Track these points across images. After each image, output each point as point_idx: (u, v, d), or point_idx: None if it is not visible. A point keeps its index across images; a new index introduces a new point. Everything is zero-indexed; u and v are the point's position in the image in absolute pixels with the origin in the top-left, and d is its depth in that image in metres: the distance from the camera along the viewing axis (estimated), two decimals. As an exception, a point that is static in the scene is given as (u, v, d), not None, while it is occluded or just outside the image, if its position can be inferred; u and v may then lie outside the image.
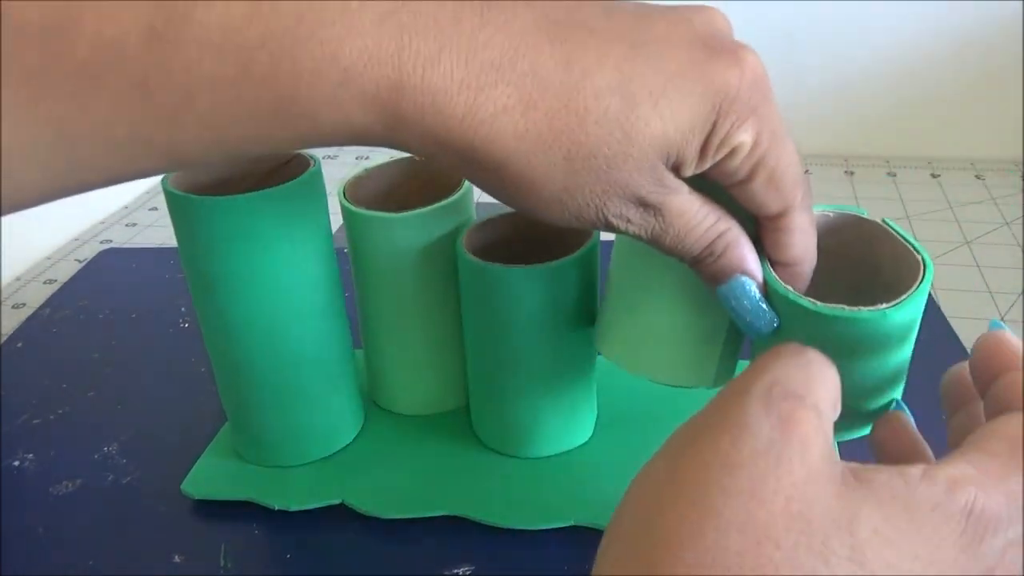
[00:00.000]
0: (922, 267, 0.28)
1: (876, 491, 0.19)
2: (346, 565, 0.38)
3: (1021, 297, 0.58)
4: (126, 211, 0.81)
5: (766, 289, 0.29)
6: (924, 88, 0.84)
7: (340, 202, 0.40)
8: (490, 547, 0.38)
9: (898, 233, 0.29)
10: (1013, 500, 0.19)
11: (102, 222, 0.79)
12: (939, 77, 0.83)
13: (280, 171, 0.38)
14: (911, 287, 0.27)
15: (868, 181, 0.80)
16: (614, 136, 0.24)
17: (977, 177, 0.79)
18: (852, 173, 0.81)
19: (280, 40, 0.22)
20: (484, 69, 0.23)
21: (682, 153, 0.25)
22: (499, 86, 0.23)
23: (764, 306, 0.29)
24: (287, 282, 0.36)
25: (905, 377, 0.30)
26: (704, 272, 0.28)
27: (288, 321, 0.37)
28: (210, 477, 0.41)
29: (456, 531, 0.38)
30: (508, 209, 0.39)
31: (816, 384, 0.21)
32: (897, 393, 0.30)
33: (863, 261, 0.31)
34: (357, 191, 0.41)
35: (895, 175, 0.81)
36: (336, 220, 0.43)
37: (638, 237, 0.27)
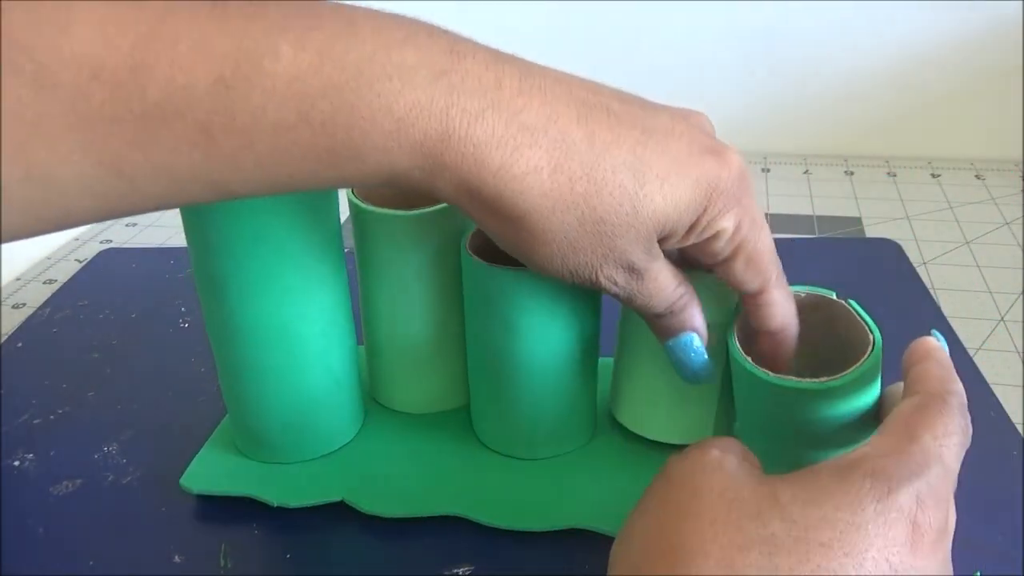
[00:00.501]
0: (871, 347, 0.31)
1: (786, 476, 0.24)
2: (346, 565, 0.38)
3: (1021, 297, 0.58)
4: (126, 211, 0.81)
5: (720, 355, 0.35)
6: (924, 88, 0.84)
7: (349, 199, 0.40)
8: (490, 547, 0.38)
9: (858, 313, 0.33)
10: (908, 459, 0.24)
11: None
12: (939, 77, 0.83)
13: None
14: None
15: (868, 181, 0.80)
16: (623, 208, 0.28)
17: (977, 177, 0.79)
18: (852, 173, 0.81)
19: (341, 91, 0.24)
20: (521, 131, 0.26)
21: (674, 229, 0.29)
22: (532, 148, 0.26)
23: (705, 358, 0.33)
24: (299, 283, 0.37)
25: (867, 438, 0.32)
26: (659, 326, 0.33)
27: (298, 321, 0.38)
28: (209, 472, 0.41)
29: (456, 531, 0.38)
30: None
31: (714, 443, 0.27)
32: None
33: (833, 338, 0.35)
34: (364, 189, 0.41)
35: (895, 175, 0.81)
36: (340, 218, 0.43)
37: (616, 296, 0.31)
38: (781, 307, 0.33)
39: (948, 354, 0.30)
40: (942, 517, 0.23)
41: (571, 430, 0.42)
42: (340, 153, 0.25)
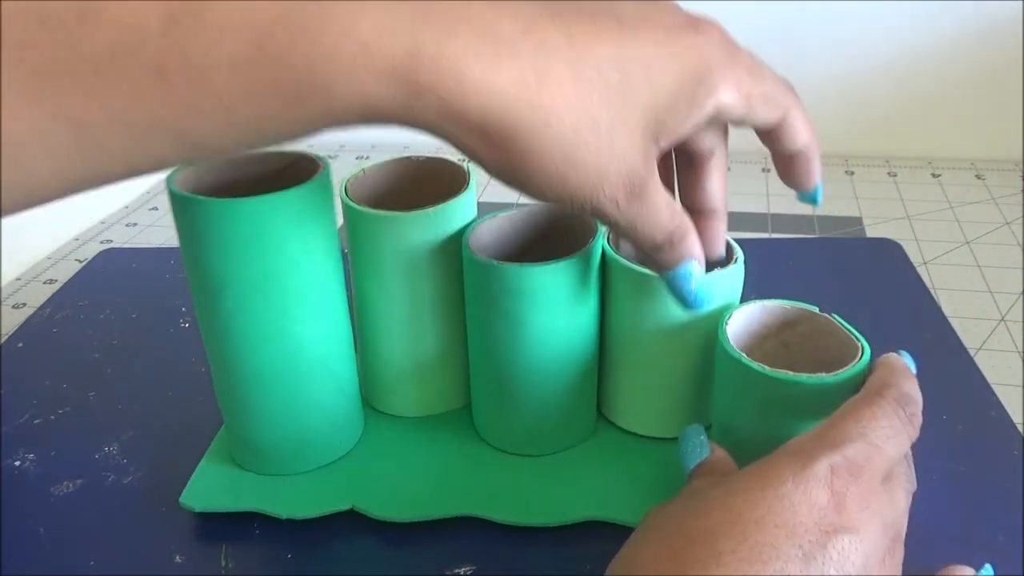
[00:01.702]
0: (860, 352, 0.33)
1: (723, 478, 0.29)
2: (347, 565, 0.38)
3: (1021, 297, 0.58)
4: (126, 211, 0.81)
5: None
6: (924, 88, 0.84)
7: (343, 201, 0.40)
8: (492, 547, 0.38)
9: (843, 326, 0.35)
10: (822, 439, 0.27)
11: (102, 222, 0.79)
12: (939, 77, 0.83)
13: (286, 173, 0.38)
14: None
15: (868, 181, 0.80)
16: (613, 106, 0.27)
17: (977, 177, 0.79)
18: (852, 173, 0.81)
19: (297, 17, 0.22)
20: (498, 42, 0.25)
21: (667, 117, 0.28)
22: (513, 58, 0.25)
23: (704, 287, 0.33)
24: (297, 286, 0.36)
25: None
26: (659, 259, 0.32)
27: (297, 326, 0.37)
28: (209, 488, 0.40)
29: (457, 531, 0.38)
30: (510, 210, 0.40)
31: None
32: None
33: (815, 352, 0.36)
34: (354, 191, 0.41)
35: (895, 175, 0.81)
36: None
37: (618, 226, 0.30)
38: (802, 123, 0.33)
39: (906, 364, 0.32)
40: (865, 487, 0.26)
41: (575, 424, 0.42)
42: (304, 86, 0.23)
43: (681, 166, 0.36)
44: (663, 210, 0.31)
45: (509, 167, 0.27)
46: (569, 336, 0.38)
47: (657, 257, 0.32)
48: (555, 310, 0.37)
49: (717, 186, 0.35)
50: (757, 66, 0.31)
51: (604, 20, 0.27)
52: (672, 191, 0.36)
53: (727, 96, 0.29)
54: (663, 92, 0.28)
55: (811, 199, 0.35)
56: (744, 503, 0.26)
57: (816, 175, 0.34)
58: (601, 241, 0.38)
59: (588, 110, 0.27)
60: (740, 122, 0.31)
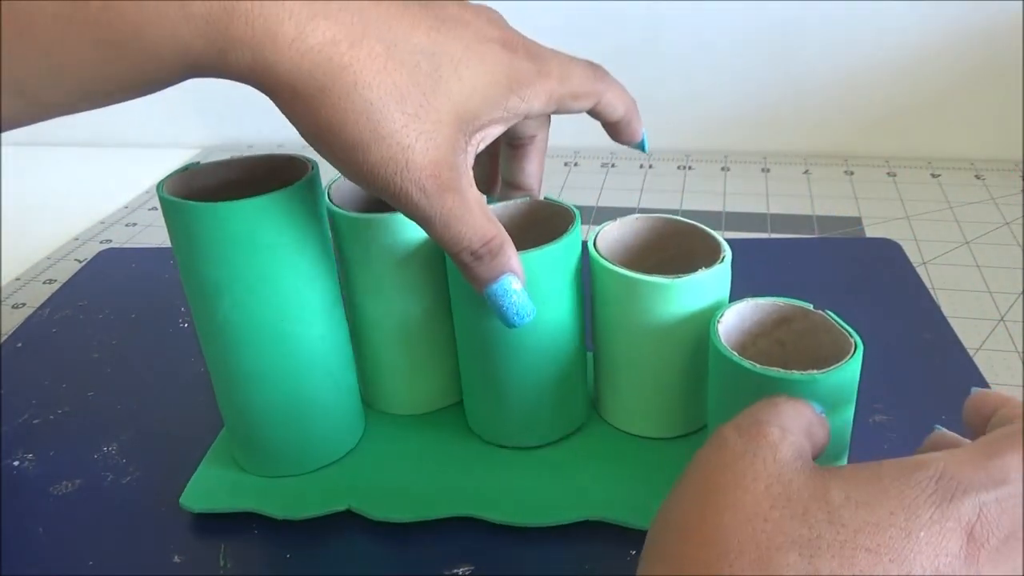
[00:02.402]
0: (853, 348, 0.32)
1: (843, 472, 0.23)
2: (345, 565, 0.38)
3: (1021, 297, 0.58)
4: (126, 211, 0.81)
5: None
6: (924, 88, 0.84)
7: (327, 207, 0.40)
8: (490, 546, 0.38)
9: (837, 322, 0.34)
10: (982, 471, 0.22)
11: (102, 222, 0.79)
12: (939, 77, 0.83)
13: (274, 176, 0.38)
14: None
15: (868, 181, 0.80)
16: (421, 87, 0.28)
17: (977, 177, 0.79)
18: (852, 173, 0.81)
19: None
20: (314, 5, 0.26)
21: (475, 116, 0.29)
22: (328, 20, 0.26)
23: (525, 301, 0.33)
24: (291, 287, 0.36)
25: (846, 439, 0.33)
26: (479, 271, 0.32)
27: (293, 327, 0.37)
28: (208, 489, 0.41)
29: (455, 530, 0.38)
30: (491, 206, 0.40)
31: (780, 413, 0.26)
32: (837, 452, 0.33)
33: (809, 349, 0.36)
34: (338, 194, 0.41)
35: (895, 175, 0.81)
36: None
37: (429, 221, 0.30)
38: (616, 99, 0.35)
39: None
40: (1002, 535, 0.21)
41: (565, 413, 0.42)
42: (125, 35, 0.24)
43: (503, 145, 0.39)
44: (478, 212, 0.31)
45: (316, 128, 0.28)
46: (553, 324, 0.38)
47: (476, 269, 0.32)
48: (538, 299, 0.37)
49: (535, 167, 0.38)
50: (565, 69, 0.32)
51: (423, 11, 0.28)
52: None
53: (537, 104, 0.31)
54: (473, 90, 0.29)
55: (640, 147, 0.39)
56: (864, 524, 0.21)
57: (639, 131, 0.38)
58: (579, 230, 0.38)
59: (396, 85, 0.27)
60: (555, 113, 0.34)
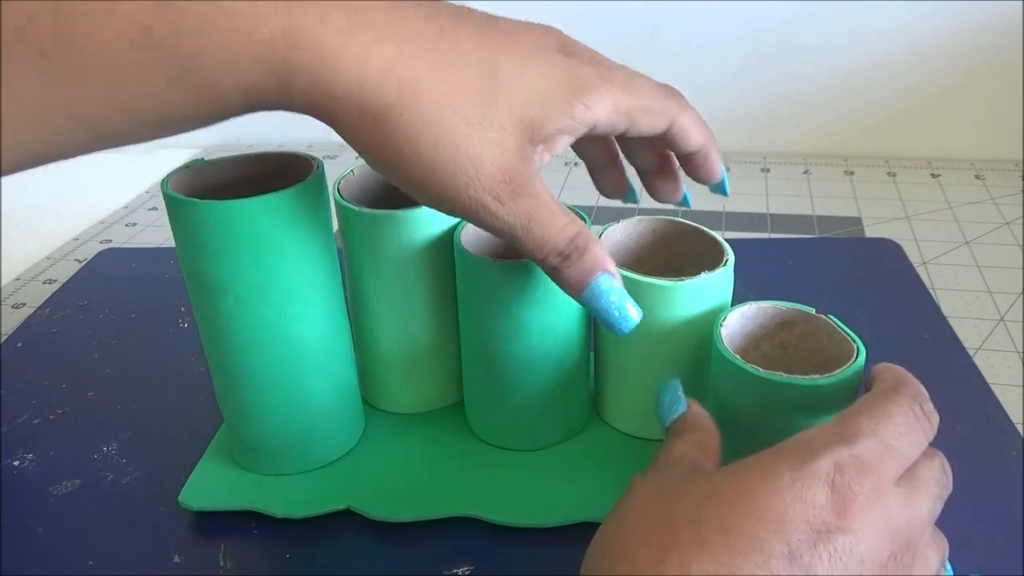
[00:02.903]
0: (855, 352, 0.33)
1: (725, 467, 0.26)
2: (345, 564, 0.38)
3: (1020, 297, 0.58)
4: (126, 211, 0.81)
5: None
6: (924, 88, 0.84)
7: (336, 201, 0.40)
8: (489, 546, 0.38)
9: (839, 327, 0.34)
10: (833, 432, 0.26)
11: (102, 222, 0.79)
12: (938, 77, 0.83)
13: (280, 174, 0.38)
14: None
15: (867, 181, 0.80)
16: (481, 98, 0.28)
17: (977, 177, 0.79)
18: (852, 173, 0.81)
19: (177, 1, 0.24)
20: (370, 26, 0.26)
21: (540, 125, 0.29)
22: (386, 41, 0.26)
23: (627, 303, 0.31)
24: (294, 286, 0.36)
25: None
26: (570, 274, 0.31)
27: (295, 326, 0.37)
28: (207, 487, 0.41)
29: (455, 530, 0.38)
30: None
31: (676, 447, 0.30)
32: None
33: (812, 354, 0.36)
34: (346, 191, 0.41)
35: (895, 175, 0.81)
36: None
37: (511, 230, 0.30)
38: (693, 126, 0.33)
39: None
40: (872, 487, 0.24)
41: (566, 418, 0.42)
42: (187, 68, 0.24)
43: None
44: (557, 212, 0.30)
45: (383, 149, 0.28)
46: (560, 330, 0.38)
47: (567, 272, 0.31)
48: (545, 305, 0.37)
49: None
50: (634, 82, 0.32)
51: (476, 26, 0.29)
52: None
53: (603, 113, 0.30)
54: (534, 96, 0.29)
55: (720, 190, 0.36)
56: (736, 494, 0.25)
57: (718, 170, 0.36)
58: None
59: (457, 99, 0.27)
60: (627, 134, 0.32)
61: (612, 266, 0.31)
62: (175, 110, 0.25)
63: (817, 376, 0.32)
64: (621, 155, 0.38)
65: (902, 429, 0.26)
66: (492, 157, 0.28)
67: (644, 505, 0.26)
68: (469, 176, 0.28)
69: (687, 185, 0.38)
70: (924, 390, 0.29)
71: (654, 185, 0.38)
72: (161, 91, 0.25)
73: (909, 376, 0.29)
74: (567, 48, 0.31)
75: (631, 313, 0.31)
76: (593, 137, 0.33)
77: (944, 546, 0.28)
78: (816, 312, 0.36)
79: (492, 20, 0.30)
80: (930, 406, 0.28)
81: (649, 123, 0.32)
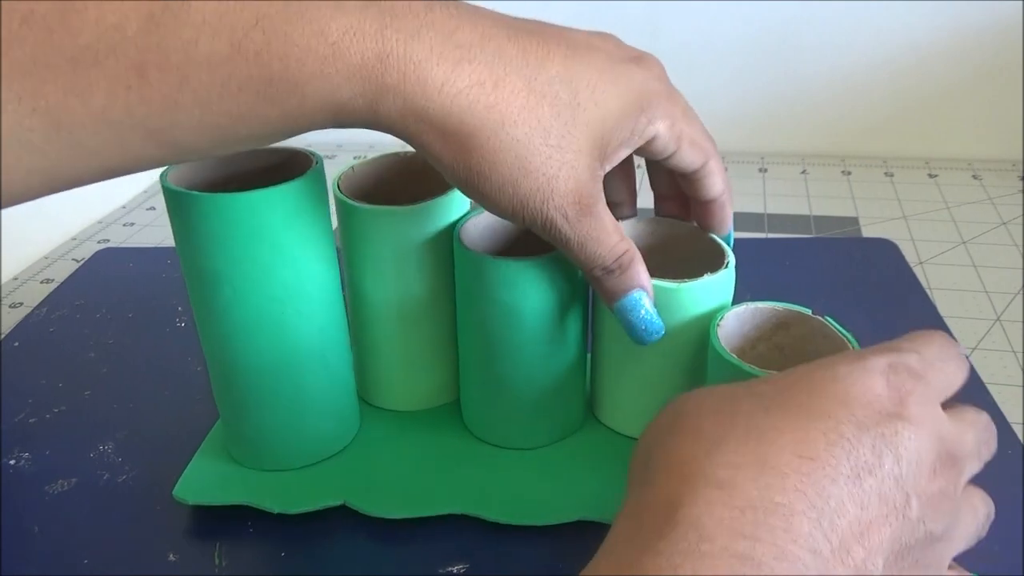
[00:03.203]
0: None
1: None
2: (341, 562, 0.38)
3: (1019, 297, 0.58)
4: (124, 211, 0.81)
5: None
6: (921, 88, 0.84)
7: (337, 197, 0.40)
8: (485, 544, 0.38)
9: (835, 328, 0.34)
10: (875, 347, 0.25)
11: (100, 221, 0.79)
12: (936, 77, 0.83)
13: (279, 169, 0.38)
14: None
15: (865, 181, 0.80)
16: (562, 118, 0.29)
17: (974, 177, 0.79)
18: (849, 173, 0.81)
19: (272, 19, 0.24)
20: (458, 48, 0.27)
21: (611, 137, 0.30)
22: (472, 63, 0.27)
23: (654, 318, 0.34)
24: (292, 281, 0.36)
25: None
26: (607, 286, 0.33)
27: (293, 320, 0.37)
28: (203, 481, 0.40)
29: (451, 528, 0.38)
30: None
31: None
32: None
33: (808, 355, 0.36)
34: (346, 187, 0.41)
35: (892, 175, 0.81)
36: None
37: (566, 243, 0.31)
38: (720, 173, 0.36)
39: None
40: (923, 391, 0.24)
41: (563, 417, 0.42)
42: (278, 85, 0.25)
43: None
44: (612, 231, 0.32)
45: (466, 168, 0.29)
46: (558, 329, 0.38)
47: (608, 283, 0.33)
48: (544, 303, 0.37)
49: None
50: (690, 109, 0.33)
51: (555, 42, 0.29)
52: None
53: (663, 128, 0.32)
54: (609, 115, 0.30)
55: (726, 241, 0.39)
56: (794, 383, 0.24)
57: (729, 223, 0.38)
58: None
59: (540, 119, 0.28)
60: (665, 160, 0.34)
61: (648, 284, 0.33)
62: (261, 128, 0.26)
63: None
64: (688, 199, 0.39)
65: (941, 355, 0.26)
66: (567, 178, 0.29)
67: (697, 404, 0.25)
68: (545, 195, 0.29)
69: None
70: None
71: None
72: (251, 110, 0.25)
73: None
74: (640, 59, 0.32)
75: (657, 329, 0.34)
76: (665, 169, 0.36)
77: (991, 507, 0.28)
78: (812, 313, 0.36)
79: (563, 34, 0.30)
80: (963, 349, 0.28)
81: (691, 155, 0.34)
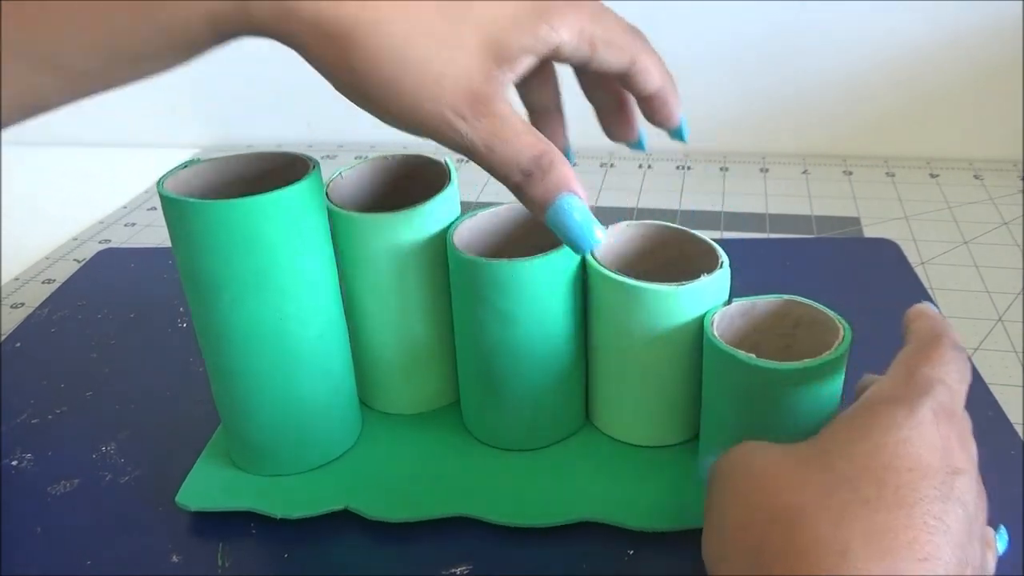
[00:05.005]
0: (840, 336, 0.34)
1: (811, 439, 0.28)
2: (343, 564, 0.38)
3: (1019, 297, 0.58)
4: (125, 211, 0.81)
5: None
6: (923, 88, 0.84)
7: (328, 208, 0.40)
8: (488, 546, 0.38)
9: (825, 312, 0.35)
10: (913, 387, 0.27)
11: (101, 222, 0.79)
12: (938, 77, 0.83)
13: (277, 175, 0.38)
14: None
15: (866, 181, 0.80)
16: (448, 16, 0.28)
17: (976, 177, 0.79)
18: (850, 173, 0.81)
19: None
20: None
21: (507, 46, 0.29)
22: None
23: (590, 221, 0.31)
24: (291, 286, 0.36)
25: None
26: (533, 192, 0.30)
27: (292, 325, 0.37)
28: (205, 487, 0.40)
29: (452, 530, 0.38)
30: (494, 206, 0.40)
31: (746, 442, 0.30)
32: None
33: (802, 341, 0.36)
34: (335, 194, 0.41)
35: (893, 175, 0.81)
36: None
37: (474, 148, 0.29)
38: (655, 68, 0.33)
39: (935, 310, 0.33)
40: (958, 428, 0.27)
41: (562, 418, 0.42)
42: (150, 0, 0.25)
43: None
44: (522, 130, 0.30)
45: (349, 71, 0.28)
46: (554, 330, 0.38)
47: (531, 190, 0.31)
48: (540, 304, 0.37)
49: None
50: (602, 14, 0.32)
51: None
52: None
53: (568, 35, 0.30)
54: (502, 16, 0.29)
55: (678, 136, 0.36)
56: (865, 452, 0.25)
57: (676, 114, 0.35)
58: None
59: (421, 16, 0.27)
60: (587, 66, 0.32)
61: (579, 187, 0.31)
62: (145, 44, 0.26)
63: (808, 360, 0.32)
64: (633, 102, 0.37)
65: (957, 375, 0.29)
66: (456, 76, 0.28)
67: (772, 472, 0.27)
68: (432, 94, 0.28)
69: (645, 128, 0.38)
70: (956, 336, 0.31)
71: (609, 124, 0.37)
72: (129, 26, 0.25)
73: (940, 320, 0.32)
74: None
75: (596, 233, 0.31)
76: (597, 79, 0.34)
77: (995, 546, 0.31)
78: (800, 300, 0.36)
79: None
80: (962, 345, 0.30)
81: (612, 56, 0.32)
